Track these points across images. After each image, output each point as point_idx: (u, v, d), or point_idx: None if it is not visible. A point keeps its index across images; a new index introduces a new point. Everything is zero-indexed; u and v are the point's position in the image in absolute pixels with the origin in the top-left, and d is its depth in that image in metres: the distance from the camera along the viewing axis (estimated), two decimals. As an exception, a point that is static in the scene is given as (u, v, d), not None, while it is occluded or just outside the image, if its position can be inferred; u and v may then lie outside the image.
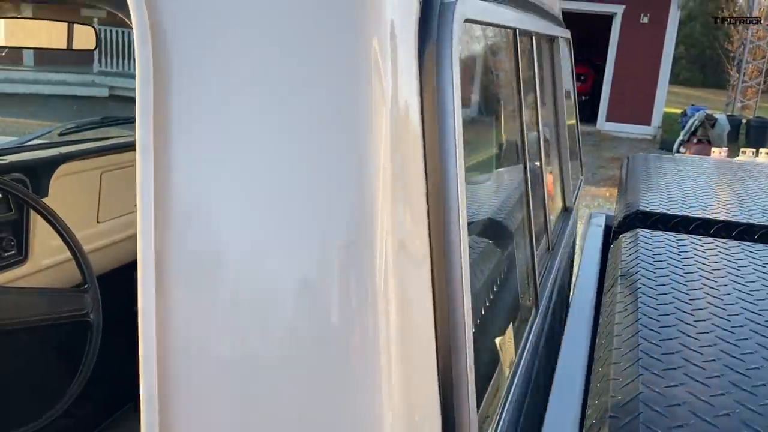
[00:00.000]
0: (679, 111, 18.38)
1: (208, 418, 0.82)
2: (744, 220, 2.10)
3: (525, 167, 1.59)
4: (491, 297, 1.28)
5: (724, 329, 1.29)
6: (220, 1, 0.81)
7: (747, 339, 1.25)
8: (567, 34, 2.87)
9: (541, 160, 2.03)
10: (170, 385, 0.82)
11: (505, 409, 1.18)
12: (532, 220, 1.62)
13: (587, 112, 16.86)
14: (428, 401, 0.90)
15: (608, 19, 16.43)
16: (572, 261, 2.91)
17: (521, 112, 1.57)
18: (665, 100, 17.15)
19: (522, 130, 1.57)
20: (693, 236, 1.94)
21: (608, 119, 16.59)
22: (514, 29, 1.53)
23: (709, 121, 12.86)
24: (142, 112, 0.80)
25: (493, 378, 1.20)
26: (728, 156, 11.37)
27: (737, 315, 1.36)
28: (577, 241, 2.99)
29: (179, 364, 0.82)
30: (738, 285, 1.52)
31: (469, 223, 1.12)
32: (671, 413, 0.99)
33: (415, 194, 0.89)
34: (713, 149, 12.18)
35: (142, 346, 0.82)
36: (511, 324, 1.35)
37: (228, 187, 0.81)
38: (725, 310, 1.38)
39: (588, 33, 17.71)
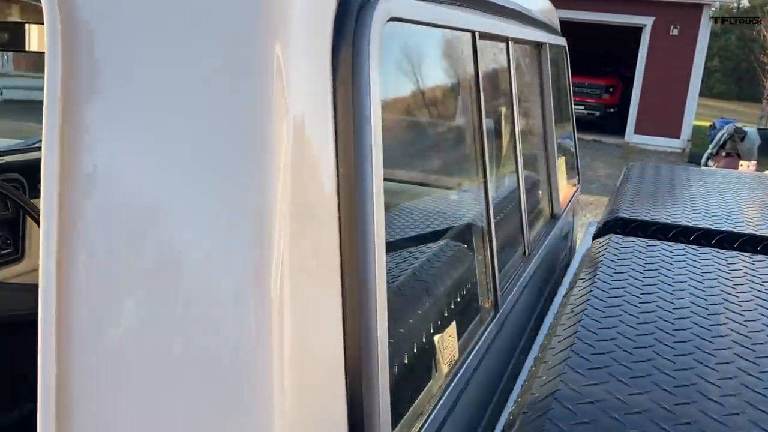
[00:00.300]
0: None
1: (105, 412, 0.84)
2: (725, 229, 2.07)
3: (483, 174, 1.59)
4: (423, 300, 1.29)
5: (665, 332, 1.28)
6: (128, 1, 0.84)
7: (685, 342, 1.25)
8: (560, 41, 2.87)
9: (513, 167, 2.03)
10: (69, 377, 0.85)
11: (435, 410, 1.18)
12: (492, 226, 1.62)
13: (615, 124, 16.71)
14: (331, 407, 0.91)
15: (637, 30, 16.28)
16: (566, 267, 2.89)
17: (479, 117, 1.58)
18: (696, 113, 16.90)
19: (478, 136, 1.58)
20: (666, 243, 1.93)
21: (637, 132, 16.40)
22: (473, 32, 1.54)
23: (739, 135, 12.62)
24: (49, 112, 0.83)
25: (422, 381, 1.21)
26: (757, 169, 11.15)
27: (683, 319, 1.35)
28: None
29: (77, 354, 0.85)
30: (695, 290, 1.51)
31: (405, 228, 1.14)
32: (581, 410, 1.00)
33: (322, 198, 0.90)
34: (741, 163, 11.96)
35: (41, 336, 0.84)
36: (453, 326, 1.35)
37: (130, 186, 0.84)
38: (672, 314, 1.38)
39: (617, 44, 17.58)
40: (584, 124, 17.23)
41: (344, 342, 0.93)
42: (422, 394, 1.19)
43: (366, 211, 0.95)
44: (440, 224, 1.52)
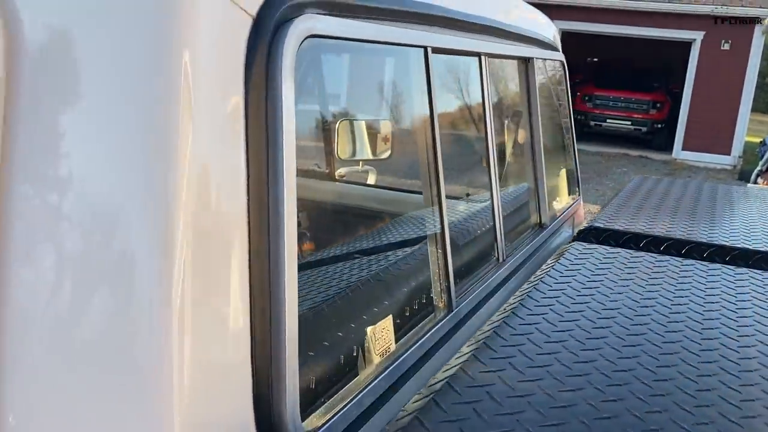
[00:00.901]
0: (764, 141, 17.60)
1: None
2: (694, 240, 2.12)
3: (436, 185, 1.68)
4: (352, 295, 1.40)
5: (584, 330, 1.36)
6: (56, 5, 0.98)
7: (596, 338, 1.32)
8: (555, 56, 2.94)
9: (486, 180, 2.11)
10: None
11: (360, 395, 1.28)
12: (445, 234, 1.71)
13: (663, 140, 16.44)
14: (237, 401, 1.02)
15: (686, 45, 16.02)
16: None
17: (431, 129, 1.68)
18: (749, 129, 16.50)
19: (430, 146, 1.68)
20: (628, 251, 1.99)
21: (684, 148, 16.10)
22: (425, 47, 1.65)
23: (789, 151, 12.26)
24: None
25: (343, 370, 1.31)
26: (807, 187, 10.81)
27: (607, 319, 1.42)
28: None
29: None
30: (631, 295, 1.58)
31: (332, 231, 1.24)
32: (467, 392, 1.09)
33: (230, 200, 1.02)
34: (791, 180, 11.61)
35: None
36: (389, 320, 1.45)
37: (47, 187, 0.96)
38: (598, 314, 1.45)
39: (665, 59, 17.32)
40: (630, 140, 17.01)
41: (251, 335, 1.04)
42: (345, 382, 1.30)
43: (278, 213, 1.07)
44: (391, 229, 1.63)
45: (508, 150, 2.47)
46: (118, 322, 0.93)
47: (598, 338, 1.32)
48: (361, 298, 1.42)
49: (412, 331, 1.58)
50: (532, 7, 2.87)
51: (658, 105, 16.50)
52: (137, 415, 0.93)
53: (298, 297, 1.10)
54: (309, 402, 1.18)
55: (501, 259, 2.18)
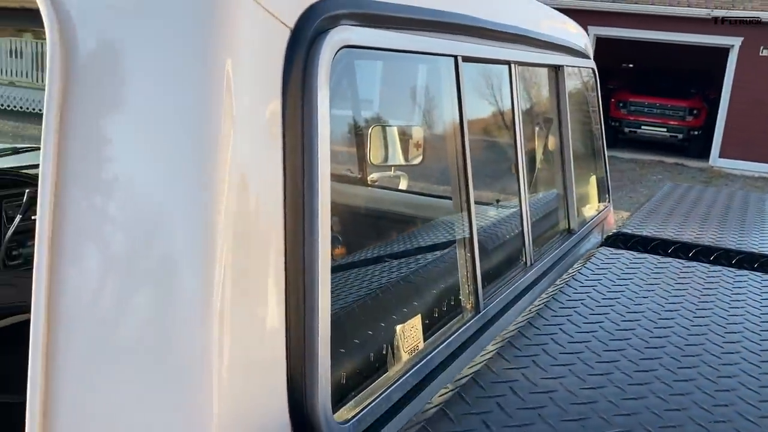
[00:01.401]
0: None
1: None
2: (725, 246, 2.13)
3: (466, 193, 1.73)
4: (384, 295, 1.45)
5: (606, 331, 1.40)
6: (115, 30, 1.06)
7: (620, 339, 1.36)
8: (586, 63, 2.97)
9: (516, 188, 2.15)
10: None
11: (390, 390, 1.33)
12: (474, 239, 1.75)
13: (699, 147, 16.21)
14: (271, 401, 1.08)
15: (724, 51, 15.80)
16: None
17: (461, 136, 1.73)
18: (788, 137, 16.19)
19: (461, 154, 1.73)
20: (656, 257, 2.01)
21: (722, 155, 15.86)
22: (455, 56, 1.71)
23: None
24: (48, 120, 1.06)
25: (373, 365, 1.37)
26: None
27: (628, 322, 1.46)
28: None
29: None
30: (657, 300, 1.61)
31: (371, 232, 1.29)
32: (492, 387, 1.14)
33: (268, 205, 1.08)
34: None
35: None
36: (417, 319, 1.51)
37: (99, 188, 1.03)
38: (621, 317, 1.48)
39: (702, 65, 17.09)
40: (666, 147, 16.80)
41: (287, 333, 1.09)
42: (375, 377, 1.35)
43: (313, 216, 1.13)
44: (421, 233, 1.69)
45: (538, 157, 2.50)
46: (161, 320, 1.00)
47: (621, 340, 1.36)
48: (391, 298, 1.48)
49: (440, 331, 1.63)
50: (563, 15, 2.90)
51: (695, 111, 16.28)
52: (178, 408, 1.00)
53: (331, 297, 1.16)
54: (340, 395, 1.24)
55: (529, 263, 2.22)
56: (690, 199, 2.90)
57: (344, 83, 1.35)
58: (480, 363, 1.24)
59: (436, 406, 1.08)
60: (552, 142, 2.63)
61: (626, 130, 16.56)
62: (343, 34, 1.23)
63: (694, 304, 1.59)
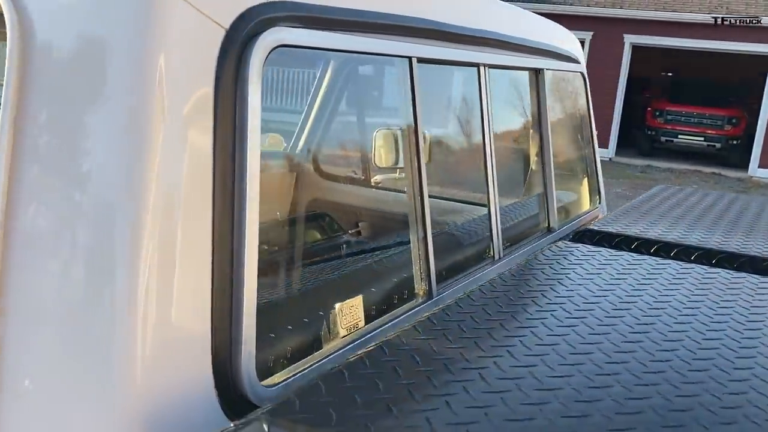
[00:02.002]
0: None
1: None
2: (684, 242, 2.19)
3: (419, 188, 1.84)
4: (322, 274, 1.57)
5: (533, 317, 1.49)
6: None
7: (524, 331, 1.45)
8: (572, 67, 3.05)
9: (484, 186, 2.24)
10: None
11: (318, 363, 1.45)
12: (427, 231, 1.85)
13: (738, 157, 15.92)
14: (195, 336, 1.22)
15: (764, 59, 15.51)
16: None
17: (414, 131, 1.84)
18: (833, 147, 15.78)
19: (414, 146, 1.85)
20: (610, 251, 2.09)
21: (762, 165, 15.53)
22: (409, 57, 1.82)
23: None
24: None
25: (303, 339, 1.48)
26: None
27: (557, 311, 1.55)
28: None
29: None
30: (597, 292, 1.69)
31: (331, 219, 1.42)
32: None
33: (196, 186, 1.21)
34: None
35: None
36: (359, 299, 1.62)
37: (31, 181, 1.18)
38: (552, 308, 1.57)
39: (742, 74, 16.79)
40: (704, 156, 16.54)
41: (212, 305, 1.22)
42: (310, 349, 1.47)
43: (242, 200, 1.26)
44: (369, 222, 1.80)
45: (513, 157, 2.59)
46: (89, 294, 1.13)
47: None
48: (333, 279, 1.60)
49: (389, 312, 1.74)
50: (547, 20, 2.99)
51: (734, 120, 15.99)
52: (100, 379, 1.12)
53: (262, 276, 1.28)
54: (268, 362, 1.36)
55: (497, 257, 2.31)
56: (674, 200, 2.95)
57: (282, 80, 1.48)
58: (488, 358, 1.30)
59: (440, 396, 1.14)
60: (529, 143, 2.71)
61: (662, 139, 16.36)
62: (279, 35, 1.35)
63: (626, 291, 1.67)
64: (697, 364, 1.30)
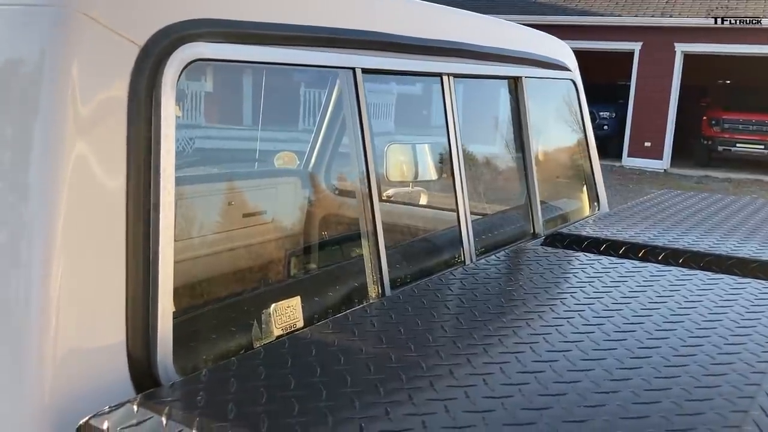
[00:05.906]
0: None
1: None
2: (652, 244, 2.17)
3: (369, 195, 1.90)
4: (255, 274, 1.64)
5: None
6: None
7: (495, 334, 1.48)
8: (558, 74, 3.05)
9: (452, 193, 2.29)
10: None
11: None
12: (378, 234, 1.91)
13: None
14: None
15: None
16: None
17: (362, 141, 1.90)
18: None
19: (362, 154, 1.91)
20: (575, 252, 2.09)
21: (828, 172, 14.88)
22: (353, 68, 1.89)
23: None
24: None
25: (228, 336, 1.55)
26: None
27: (503, 311, 1.57)
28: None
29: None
30: (553, 292, 1.70)
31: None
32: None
33: (108, 194, 1.31)
34: None
35: None
36: (297, 300, 1.68)
37: None
38: (503, 306, 1.60)
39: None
40: (765, 165, 15.94)
41: (126, 294, 1.31)
42: (228, 334, 1.54)
43: (157, 194, 1.35)
44: (315, 226, 1.87)
45: (487, 163, 2.62)
46: (5, 280, 1.24)
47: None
48: (269, 278, 1.67)
49: (340, 311, 1.80)
50: (533, 30, 3.01)
51: (766, 129, 15.44)
52: (15, 362, 1.21)
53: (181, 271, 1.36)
54: (186, 350, 1.44)
55: (468, 261, 2.34)
56: (666, 203, 2.91)
57: (201, 93, 1.57)
58: (494, 363, 1.31)
59: (437, 399, 1.13)
60: (508, 151, 2.74)
61: (720, 148, 15.87)
62: (195, 50, 1.45)
63: (596, 298, 1.67)
64: (668, 371, 1.27)
